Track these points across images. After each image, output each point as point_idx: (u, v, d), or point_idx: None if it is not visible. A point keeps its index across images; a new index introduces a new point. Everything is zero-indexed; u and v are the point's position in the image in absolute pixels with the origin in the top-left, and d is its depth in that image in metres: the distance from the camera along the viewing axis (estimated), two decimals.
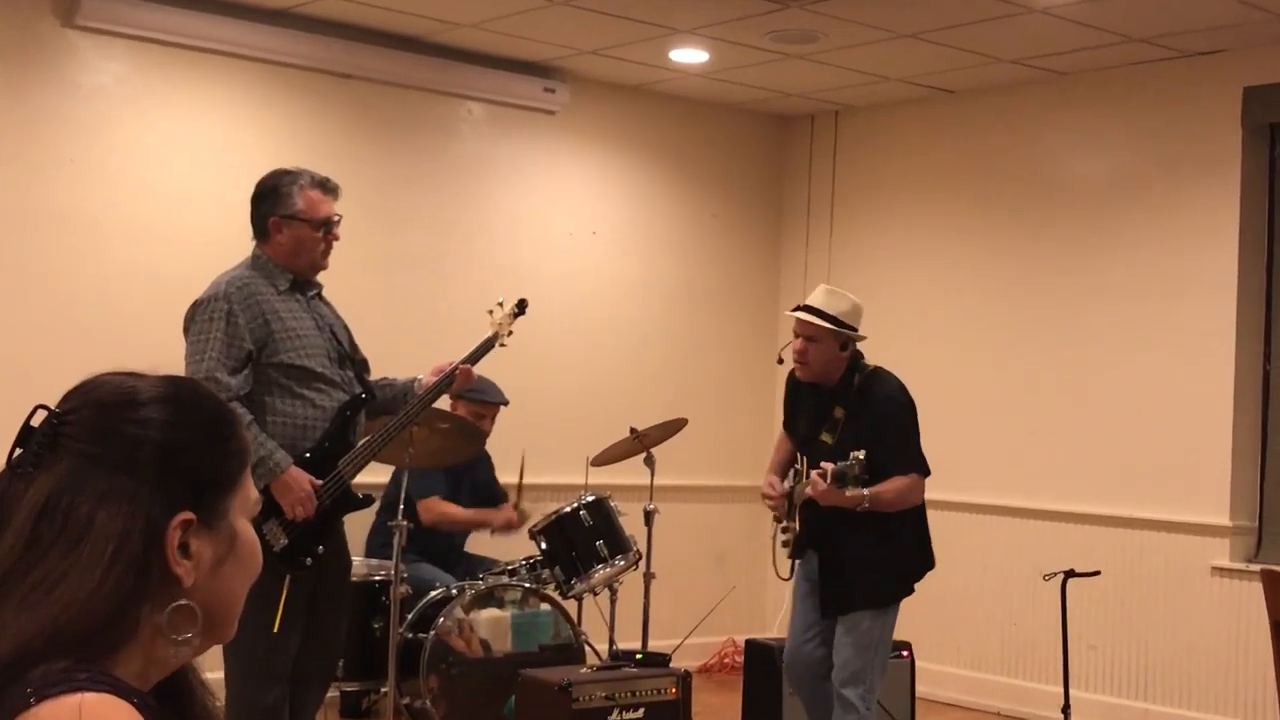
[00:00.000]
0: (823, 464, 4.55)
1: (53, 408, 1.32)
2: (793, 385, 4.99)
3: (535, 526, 5.71)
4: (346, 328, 4.40)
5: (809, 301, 4.79)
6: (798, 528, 4.85)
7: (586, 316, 7.40)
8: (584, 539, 5.58)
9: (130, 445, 1.29)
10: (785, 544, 4.96)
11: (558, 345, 7.14)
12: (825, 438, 4.74)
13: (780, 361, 5.06)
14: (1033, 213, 6.98)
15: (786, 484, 4.91)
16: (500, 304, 4.52)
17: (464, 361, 4.38)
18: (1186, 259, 6.37)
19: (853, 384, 4.74)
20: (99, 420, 1.31)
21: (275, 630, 3.98)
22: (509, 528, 6.07)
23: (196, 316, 4.11)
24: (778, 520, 4.99)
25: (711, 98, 7.69)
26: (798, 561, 4.95)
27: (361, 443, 4.26)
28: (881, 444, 4.58)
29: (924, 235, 7.46)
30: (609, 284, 7.50)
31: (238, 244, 6.27)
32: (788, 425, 5.07)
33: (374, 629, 5.43)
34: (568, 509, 5.62)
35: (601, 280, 7.47)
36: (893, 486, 4.60)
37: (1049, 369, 6.82)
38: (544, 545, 5.63)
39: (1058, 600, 5.69)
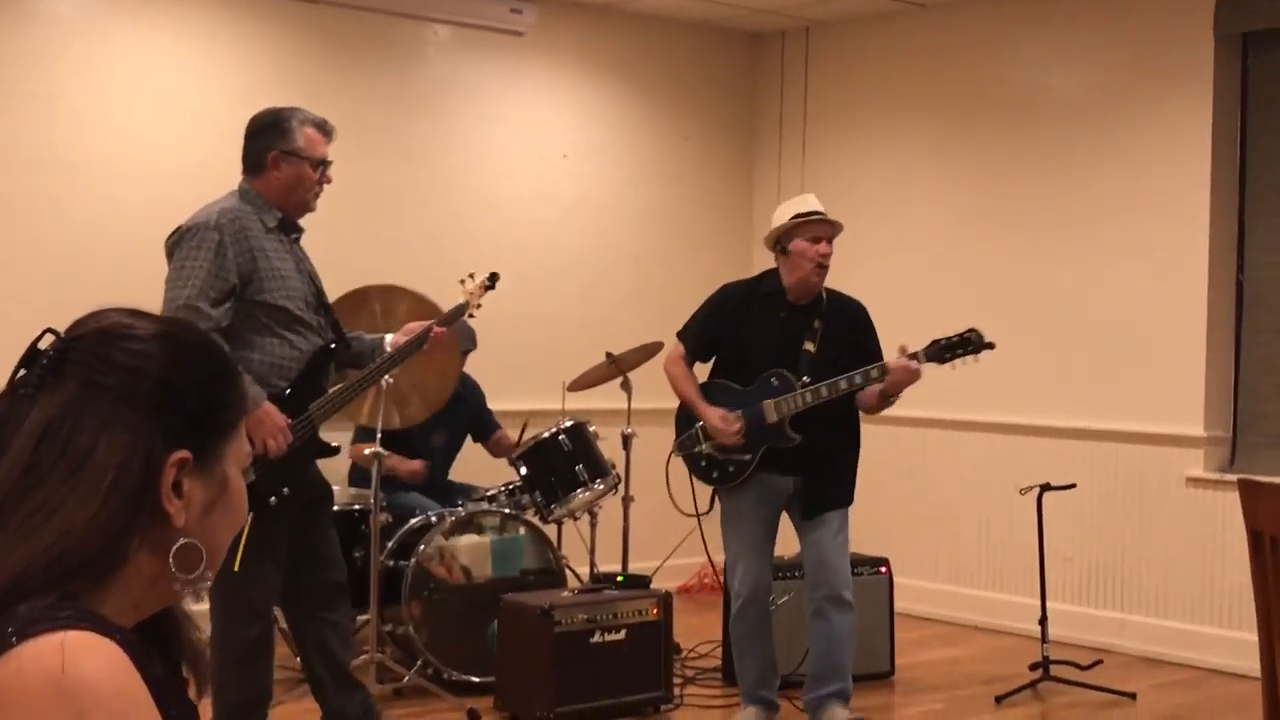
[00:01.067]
0: (902, 345, 4.68)
1: (61, 332, 1.31)
2: (740, 303, 4.93)
3: (514, 453, 5.71)
4: (317, 276, 4.39)
5: (814, 208, 4.86)
6: (795, 439, 4.80)
7: (559, 241, 7.35)
8: (563, 464, 5.58)
9: (130, 375, 1.29)
10: (729, 472, 4.86)
11: (531, 270, 7.10)
12: (809, 347, 4.81)
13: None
14: (1005, 127, 6.95)
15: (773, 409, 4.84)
16: (471, 275, 4.57)
17: (438, 324, 4.39)
18: (1160, 170, 6.36)
19: (823, 297, 4.88)
20: (102, 347, 1.30)
21: (235, 569, 3.95)
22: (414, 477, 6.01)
23: (183, 242, 4.03)
24: (722, 451, 4.85)
25: (681, 16, 7.60)
26: (731, 489, 4.88)
27: (333, 389, 4.25)
28: (870, 348, 4.83)
29: (896, 151, 7.42)
30: (581, 207, 7.45)
31: (201, 175, 6.18)
32: (705, 348, 4.97)
33: (355, 558, 5.43)
34: (546, 434, 5.62)
35: (573, 204, 7.42)
36: None
37: (1022, 283, 6.82)
38: (523, 471, 5.64)
39: (1034, 513, 5.74)
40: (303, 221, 4.39)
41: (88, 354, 1.29)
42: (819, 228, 4.79)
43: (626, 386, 6.02)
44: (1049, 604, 5.71)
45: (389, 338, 4.39)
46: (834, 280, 4.98)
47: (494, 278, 4.57)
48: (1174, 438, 6.26)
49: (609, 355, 5.96)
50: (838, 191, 7.59)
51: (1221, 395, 6.27)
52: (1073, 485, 5.85)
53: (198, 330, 1.43)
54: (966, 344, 4.69)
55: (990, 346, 4.71)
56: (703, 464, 4.94)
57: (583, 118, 7.50)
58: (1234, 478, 5.53)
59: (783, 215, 4.90)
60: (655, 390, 6.64)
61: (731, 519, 4.93)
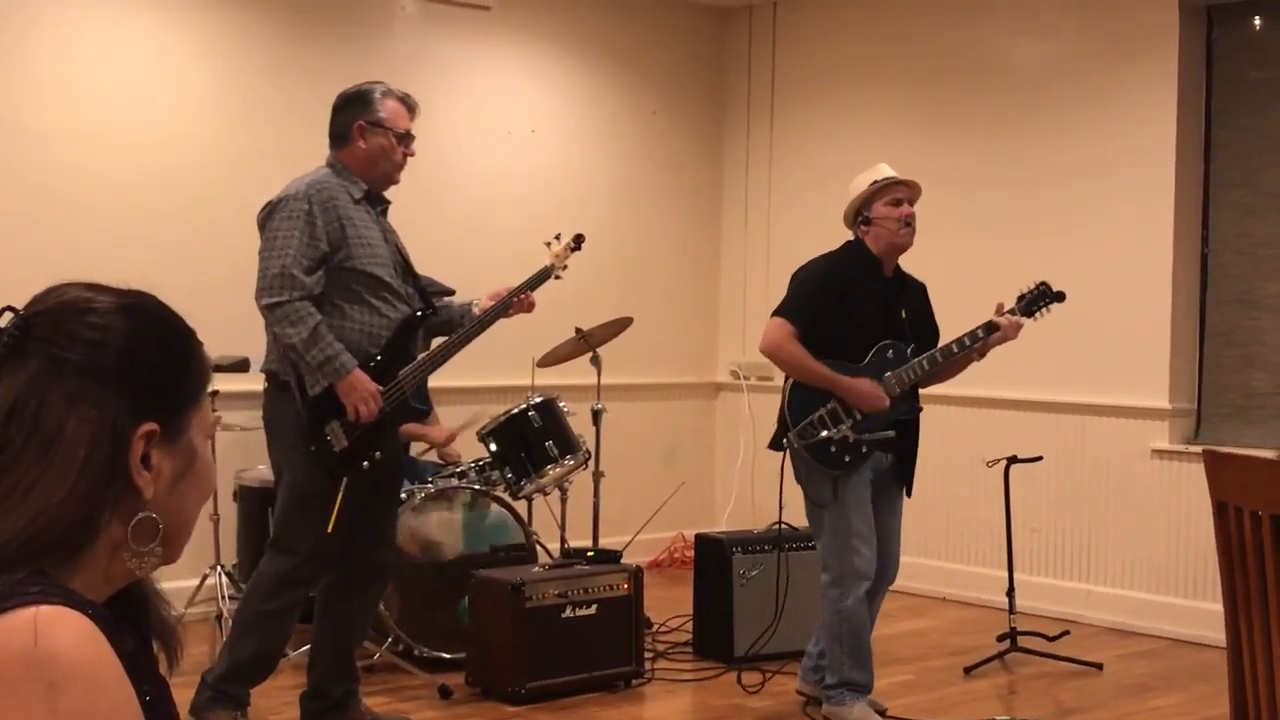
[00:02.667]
0: (999, 303, 4.78)
1: (20, 310, 1.31)
2: (844, 276, 4.73)
3: (484, 428, 5.70)
4: (404, 247, 4.45)
5: (889, 173, 4.83)
6: (919, 408, 4.81)
7: (526, 216, 7.32)
8: (533, 440, 5.57)
9: (93, 349, 1.29)
10: (862, 453, 4.63)
11: (499, 245, 7.07)
12: (904, 315, 4.82)
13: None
14: (971, 99, 6.96)
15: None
16: (557, 237, 4.65)
17: (523, 288, 4.48)
18: (1125, 142, 6.38)
19: (900, 268, 4.92)
20: (64, 322, 1.30)
21: (330, 530, 4.12)
22: (447, 444, 6.03)
23: (274, 214, 4.16)
24: (863, 429, 4.62)
25: None
26: (849, 471, 4.65)
27: (422, 356, 4.35)
28: (934, 323, 4.90)
29: (863, 124, 7.43)
30: (550, 182, 7.43)
31: (167, 145, 6.14)
32: (816, 327, 4.65)
33: None
34: (516, 410, 5.61)
35: (542, 179, 7.40)
36: None
37: (988, 255, 6.83)
38: (493, 447, 5.63)
39: (1001, 486, 5.78)
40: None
41: (49, 329, 1.29)
42: (898, 189, 4.78)
43: (596, 362, 6.02)
44: (1016, 576, 5.75)
45: (476, 303, 4.50)
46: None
47: (579, 239, 4.66)
48: (1139, 410, 6.31)
49: (578, 330, 5.95)
50: (805, 164, 7.61)
51: (1186, 367, 6.32)
52: (1039, 458, 5.89)
53: (158, 302, 1.42)
54: (1045, 296, 4.81)
55: (1061, 297, 4.82)
56: (832, 449, 4.63)
57: (550, 92, 7.47)
58: (1199, 449, 5.59)
59: (859, 185, 4.81)
60: (625, 365, 6.66)
61: (852, 500, 4.64)
